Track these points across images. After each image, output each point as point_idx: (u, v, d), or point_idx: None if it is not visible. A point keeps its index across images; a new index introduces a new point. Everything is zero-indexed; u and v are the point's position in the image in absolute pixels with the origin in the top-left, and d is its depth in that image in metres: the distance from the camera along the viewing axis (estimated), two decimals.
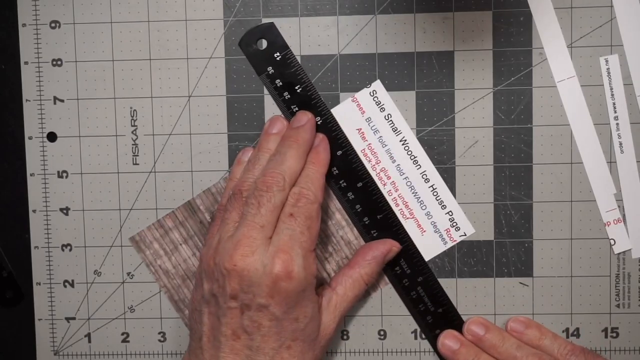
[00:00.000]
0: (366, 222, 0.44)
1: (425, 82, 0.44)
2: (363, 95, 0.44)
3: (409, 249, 0.44)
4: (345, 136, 0.43)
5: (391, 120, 0.44)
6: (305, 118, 0.42)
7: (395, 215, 0.44)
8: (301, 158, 0.41)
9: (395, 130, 0.44)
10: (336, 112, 0.44)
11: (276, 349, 0.38)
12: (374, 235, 0.43)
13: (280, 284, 0.38)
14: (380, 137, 0.44)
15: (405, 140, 0.44)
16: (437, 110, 0.44)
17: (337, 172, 0.43)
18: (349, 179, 0.44)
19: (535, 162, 0.44)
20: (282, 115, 0.44)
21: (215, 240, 0.40)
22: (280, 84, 0.43)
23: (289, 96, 0.43)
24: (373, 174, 0.44)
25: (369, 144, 0.44)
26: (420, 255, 0.44)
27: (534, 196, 0.44)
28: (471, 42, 0.43)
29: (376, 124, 0.44)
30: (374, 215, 0.44)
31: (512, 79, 0.43)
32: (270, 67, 0.43)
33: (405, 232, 0.44)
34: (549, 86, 0.43)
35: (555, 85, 0.43)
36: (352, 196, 0.44)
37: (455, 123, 0.44)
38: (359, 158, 0.44)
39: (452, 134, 0.44)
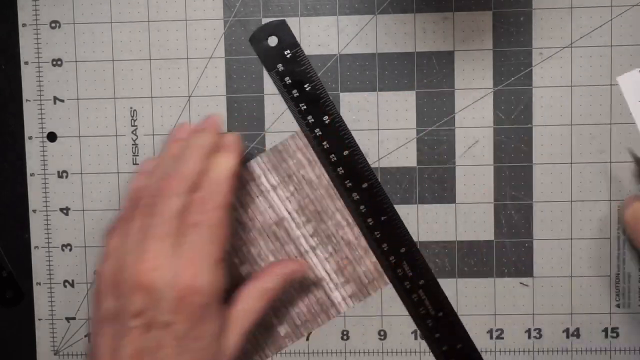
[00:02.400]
0: (370, 223, 0.44)
1: (425, 82, 0.44)
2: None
3: (411, 251, 0.44)
4: (352, 136, 0.43)
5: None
6: (209, 121, 0.41)
7: (399, 218, 0.44)
8: (202, 160, 0.39)
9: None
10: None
11: None
12: (377, 236, 0.43)
13: (186, 298, 0.36)
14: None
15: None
16: (437, 110, 0.44)
17: (342, 172, 0.43)
18: (355, 179, 0.44)
19: (535, 162, 0.44)
20: (187, 122, 0.43)
21: (116, 254, 0.38)
22: (290, 81, 0.43)
23: (297, 94, 0.43)
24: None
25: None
26: (423, 259, 0.44)
27: (534, 196, 0.44)
28: (471, 42, 0.43)
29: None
30: (378, 216, 0.44)
31: (512, 79, 0.43)
32: (280, 65, 0.43)
33: (408, 234, 0.44)
34: (549, 86, 0.43)
35: (555, 85, 0.43)
36: (357, 197, 0.44)
37: (455, 123, 0.44)
38: (365, 159, 0.44)
39: (452, 134, 0.44)
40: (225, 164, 0.39)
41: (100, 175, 0.45)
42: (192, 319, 0.36)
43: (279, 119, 0.44)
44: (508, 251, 0.44)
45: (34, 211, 0.45)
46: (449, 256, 0.44)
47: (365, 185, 0.44)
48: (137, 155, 0.45)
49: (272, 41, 0.44)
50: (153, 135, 0.45)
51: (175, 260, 0.36)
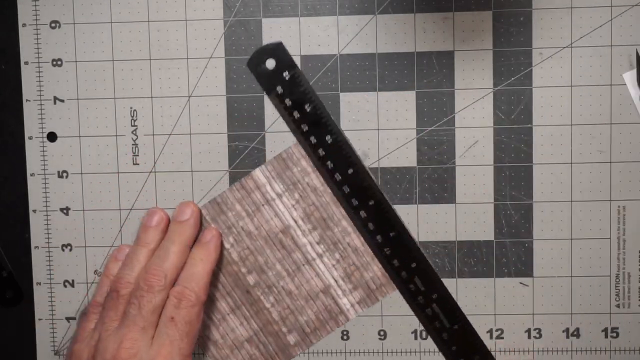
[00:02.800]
0: (379, 240, 0.44)
1: (425, 82, 0.44)
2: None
3: (422, 266, 0.44)
4: (356, 154, 0.43)
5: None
6: (189, 211, 0.43)
7: (409, 233, 0.44)
8: (184, 254, 0.42)
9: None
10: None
11: None
12: (387, 252, 0.43)
13: None
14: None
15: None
16: (437, 110, 0.44)
17: (348, 190, 0.43)
18: (361, 197, 0.44)
19: (535, 162, 0.44)
20: (160, 209, 0.44)
21: (94, 337, 0.40)
22: (290, 103, 0.43)
23: (298, 115, 0.43)
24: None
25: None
26: (435, 272, 0.44)
27: (534, 196, 0.44)
28: (471, 42, 0.43)
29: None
30: (387, 233, 0.44)
31: (512, 79, 0.43)
32: (279, 87, 0.43)
33: (419, 250, 0.44)
34: (549, 86, 0.43)
35: (555, 85, 0.43)
36: (365, 214, 0.43)
37: (455, 123, 0.44)
38: (370, 176, 0.43)
39: (452, 134, 0.44)
40: (204, 261, 0.42)
41: (100, 175, 0.45)
42: None
43: (279, 119, 0.44)
44: (508, 251, 0.44)
45: (34, 211, 0.45)
46: (449, 256, 0.44)
47: (371, 202, 0.43)
48: (137, 155, 0.45)
49: (270, 64, 0.44)
50: (153, 135, 0.45)
51: (150, 352, 0.39)
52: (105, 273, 0.43)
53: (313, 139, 0.43)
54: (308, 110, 0.43)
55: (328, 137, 0.43)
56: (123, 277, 0.41)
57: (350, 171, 0.43)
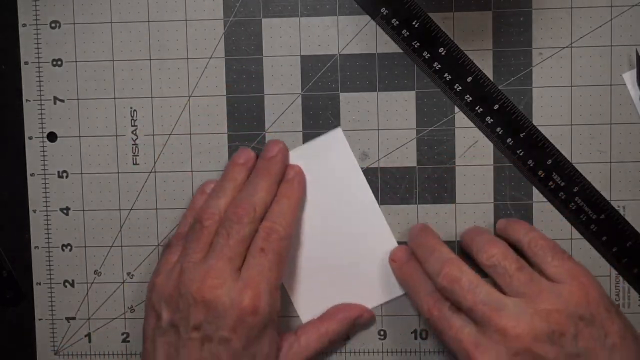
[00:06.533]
0: (510, 143, 0.43)
1: (425, 82, 0.44)
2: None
3: (558, 161, 0.43)
4: (472, 62, 0.43)
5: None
6: (276, 148, 0.42)
7: (539, 131, 0.43)
8: (272, 190, 0.41)
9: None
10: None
11: None
12: (520, 154, 0.43)
13: (245, 318, 0.38)
14: None
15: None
16: (437, 110, 0.44)
17: (470, 99, 0.43)
18: (485, 103, 0.43)
19: None
20: (250, 148, 0.43)
21: (176, 269, 0.40)
22: (397, 23, 0.43)
23: (407, 33, 0.43)
24: None
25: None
26: (572, 166, 0.43)
27: (534, 196, 0.44)
28: (471, 42, 0.43)
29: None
30: (517, 134, 0.43)
31: (512, 79, 0.43)
32: (384, 8, 0.43)
33: (552, 145, 0.43)
34: (549, 86, 0.43)
35: (555, 85, 0.43)
36: (491, 120, 0.43)
37: (455, 123, 0.44)
38: (491, 81, 0.43)
39: (452, 134, 0.44)
40: (290, 198, 0.42)
41: (100, 175, 0.45)
42: (249, 338, 0.38)
43: (279, 119, 0.44)
44: None
45: (34, 211, 0.45)
46: None
47: (496, 106, 0.43)
48: (137, 155, 0.45)
49: None
50: (153, 135, 0.45)
51: (238, 282, 0.38)
52: (191, 206, 0.43)
53: (426, 54, 0.43)
54: (416, 26, 0.43)
55: (441, 49, 0.43)
56: (208, 209, 0.41)
57: (469, 79, 0.43)
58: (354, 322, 0.43)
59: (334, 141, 0.44)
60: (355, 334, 0.45)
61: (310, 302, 0.44)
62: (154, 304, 0.40)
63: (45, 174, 0.45)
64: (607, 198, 0.43)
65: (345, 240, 0.43)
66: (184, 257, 0.40)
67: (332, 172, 0.43)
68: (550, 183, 0.43)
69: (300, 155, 0.44)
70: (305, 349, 0.42)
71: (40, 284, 0.46)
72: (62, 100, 0.45)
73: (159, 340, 0.39)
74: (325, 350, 0.43)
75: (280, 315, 0.44)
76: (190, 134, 0.45)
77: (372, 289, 0.44)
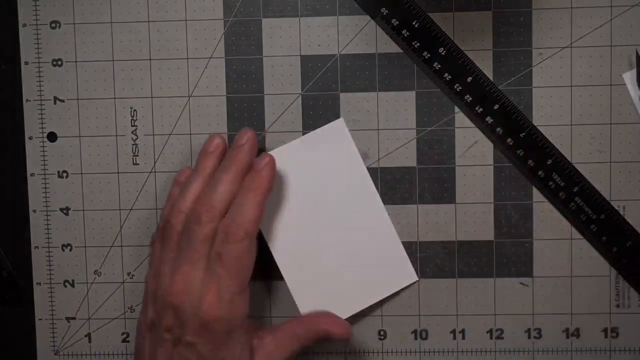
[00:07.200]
0: (510, 144, 0.43)
1: (425, 82, 0.44)
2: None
3: (559, 161, 0.43)
4: (472, 62, 0.43)
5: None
6: (245, 137, 0.40)
7: (539, 131, 0.43)
8: (236, 182, 0.39)
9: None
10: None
11: None
12: (521, 154, 0.43)
13: (209, 324, 0.38)
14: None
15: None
16: (437, 110, 0.44)
17: (470, 99, 0.43)
18: (485, 103, 0.43)
19: None
20: (221, 134, 0.42)
21: (157, 264, 0.40)
22: (397, 23, 0.43)
23: (408, 33, 0.43)
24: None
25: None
26: (572, 166, 0.43)
27: (534, 196, 0.44)
28: (471, 42, 0.43)
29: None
30: (517, 134, 0.43)
31: (512, 79, 0.43)
32: (384, 8, 0.43)
33: (552, 145, 0.43)
34: (549, 86, 0.43)
35: (555, 85, 0.43)
36: (491, 120, 0.43)
37: (455, 123, 0.44)
38: (490, 81, 0.43)
39: (452, 134, 0.44)
40: (255, 191, 0.39)
41: (100, 175, 0.45)
42: (215, 343, 0.38)
43: (279, 119, 0.44)
44: (508, 251, 0.44)
45: (34, 211, 0.45)
46: (449, 256, 0.44)
47: (496, 106, 0.43)
48: (137, 155, 0.45)
49: None
50: (153, 135, 0.45)
51: (202, 287, 0.38)
52: (168, 198, 0.42)
53: (426, 54, 0.43)
54: (416, 26, 0.43)
55: (441, 49, 0.43)
56: (175, 207, 0.40)
57: (469, 79, 0.43)
58: (330, 336, 0.41)
59: (336, 131, 0.43)
60: (355, 334, 0.45)
61: (310, 295, 0.43)
62: (146, 298, 0.40)
63: (45, 174, 0.45)
64: (607, 198, 0.43)
65: (345, 232, 0.43)
66: (160, 257, 0.40)
67: (333, 162, 0.43)
68: (550, 183, 0.43)
69: (301, 146, 0.43)
70: (280, 349, 0.40)
71: (40, 284, 0.46)
72: (62, 100, 0.45)
73: (146, 335, 0.40)
74: (298, 354, 0.41)
75: (277, 316, 0.44)
76: (190, 134, 0.45)
77: (372, 281, 0.44)
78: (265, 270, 0.43)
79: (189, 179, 0.41)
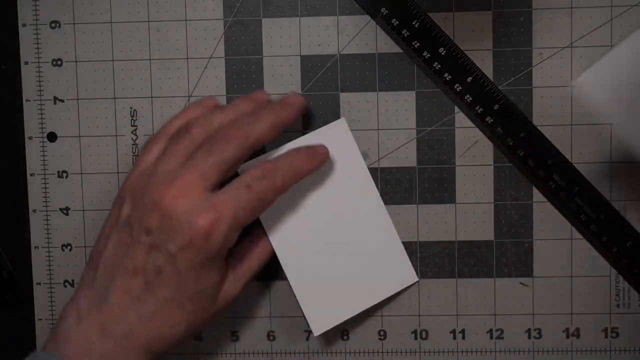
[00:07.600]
0: (510, 143, 0.43)
1: (425, 82, 0.44)
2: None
3: (559, 161, 0.43)
4: (472, 62, 0.43)
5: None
6: (296, 100, 0.40)
7: (541, 133, 0.43)
8: (275, 131, 0.38)
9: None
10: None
11: (168, 300, 0.36)
12: (521, 154, 0.43)
13: (195, 240, 0.35)
14: None
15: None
16: (437, 110, 0.44)
17: (470, 99, 0.43)
18: (485, 103, 0.43)
19: None
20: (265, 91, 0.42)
21: (149, 167, 0.37)
22: (397, 22, 0.43)
23: (408, 33, 0.43)
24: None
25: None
26: (572, 166, 0.43)
27: (534, 196, 0.44)
28: (471, 42, 0.43)
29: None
30: (517, 135, 0.43)
31: (512, 79, 0.43)
32: (383, 8, 0.43)
33: (552, 145, 0.43)
34: (549, 86, 0.43)
35: (555, 86, 0.43)
36: (491, 120, 0.43)
37: (455, 123, 0.44)
38: (490, 81, 0.43)
39: (452, 134, 0.44)
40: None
41: (100, 175, 0.45)
42: (194, 261, 0.36)
43: None
44: (508, 251, 0.44)
45: (34, 211, 0.45)
46: (449, 256, 0.44)
47: (496, 106, 0.43)
48: (137, 156, 0.45)
49: None
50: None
51: (203, 201, 0.36)
52: (183, 110, 0.40)
53: (426, 54, 0.43)
54: (416, 26, 0.43)
55: (441, 49, 0.43)
56: (201, 118, 0.38)
57: (469, 79, 0.43)
58: None
59: (338, 131, 0.43)
60: (355, 334, 0.45)
61: (312, 293, 0.43)
62: (123, 196, 0.38)
63: (45, 174, 0.45)
64: (607, 198, 0.43)
65: (346, 232, 0.43)
66: (161, 159, 0.37)
67: (335, 162, 0.43)
68: (550, 183, 0.43)
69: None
70: (249, 269, 0.40)
71: (40, 284, 0.46)
72: (62, 100, 0.45)
73: (113, 236, 0.37)
74: (266, 263, 0.41)
75: (277, 316, 0.44)
76: None
77: (373, 282, 0.44)
78: (265, 270, 0.43)
79: (221, 107, 0.39)
